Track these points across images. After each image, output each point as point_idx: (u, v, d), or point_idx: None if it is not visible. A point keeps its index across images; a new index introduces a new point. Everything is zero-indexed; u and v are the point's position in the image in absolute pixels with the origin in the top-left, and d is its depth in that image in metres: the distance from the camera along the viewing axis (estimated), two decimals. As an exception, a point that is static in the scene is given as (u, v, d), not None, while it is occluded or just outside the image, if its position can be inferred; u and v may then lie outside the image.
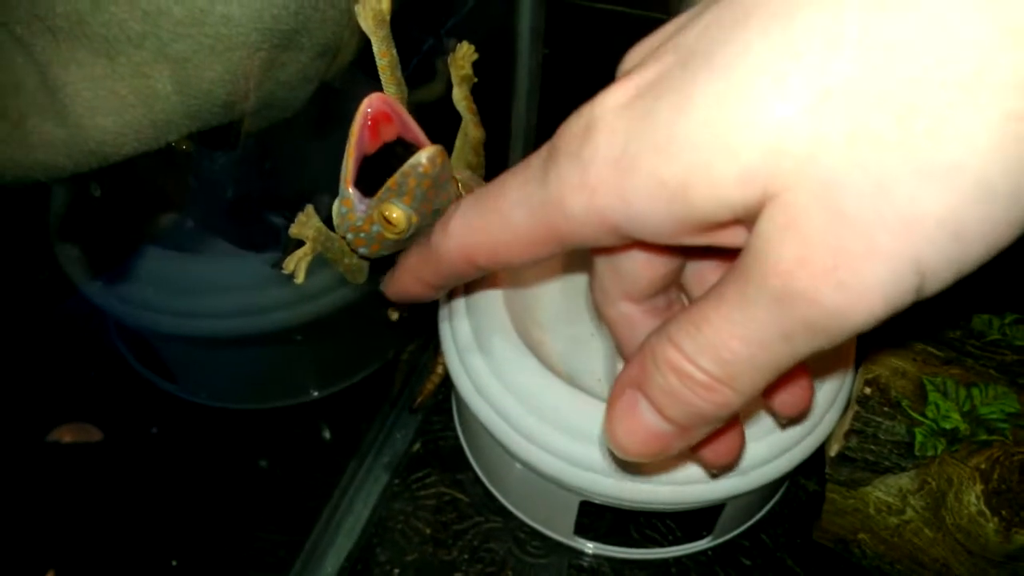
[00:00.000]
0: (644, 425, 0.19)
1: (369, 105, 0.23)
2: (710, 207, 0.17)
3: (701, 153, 0.16)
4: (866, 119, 0.14)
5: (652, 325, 0.21)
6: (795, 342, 0.17)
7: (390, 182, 0.23)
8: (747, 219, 0.17)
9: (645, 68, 0.18)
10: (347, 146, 0.23)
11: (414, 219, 0.23)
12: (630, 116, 0.17)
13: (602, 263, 0.23)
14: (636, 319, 0.24)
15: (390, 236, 0.24)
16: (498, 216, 0.21)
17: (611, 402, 0.20)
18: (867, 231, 0.15)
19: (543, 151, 0.20)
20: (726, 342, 0.17)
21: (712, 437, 0.23)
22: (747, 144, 0.16)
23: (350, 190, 0.23)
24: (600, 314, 0.25)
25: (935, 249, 0.15)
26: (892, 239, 0.15)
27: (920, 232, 0.15)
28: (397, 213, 0.23)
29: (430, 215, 0.24)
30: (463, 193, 0.25)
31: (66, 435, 0.37)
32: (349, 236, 0.24)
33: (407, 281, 0.26)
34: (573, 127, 0.19)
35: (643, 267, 0.22)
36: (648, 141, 0.17)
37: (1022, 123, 0.14)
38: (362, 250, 0.25)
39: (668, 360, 0.18)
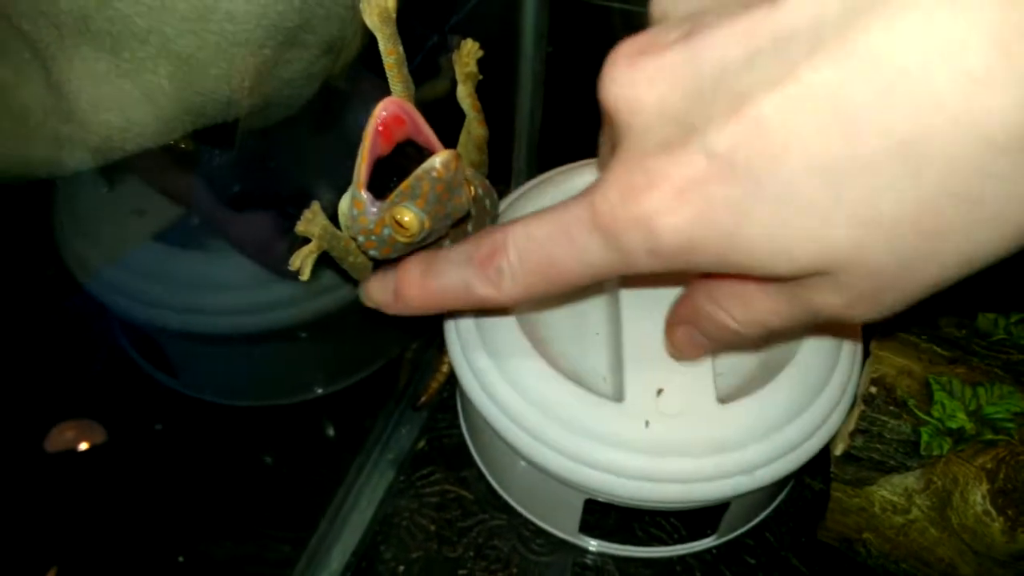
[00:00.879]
0: (696, 344, 0.27)
1: (384, 109, 0.23)
2: (764, 276, 0.21)
3: (761, 256, 0.19)
4: (897, 233, 0.18)
5: None
6: (813, 323, 0.23)
7: (403, 185, 0.23)
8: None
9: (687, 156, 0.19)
10: (360, 149, 0.23)
11: (427, 223, 0.23)
12: (690, 210, 0.20)
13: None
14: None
15: (402, 239, 0.24)
16: (556, 270, 0.24)
17: (670, 329, 0.28)
18: (901, 284, 0.19)
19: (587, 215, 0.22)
20: (765, 319, 0.23)
21: None
22: (804, 253, 0.19)
23: (363, 193, 0.23)
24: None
25: (950, 273, 0.19)
26: (915, 285, 0.19)
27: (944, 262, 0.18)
28: (410, 217, 0.23)
29: (442, 218, 0.24)
30: (474, 197, 0.25)
31: (68, 432, 0.37)
32: (360, 239, 0.24)
33: (442, 302, 0.27)
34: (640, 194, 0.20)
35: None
36: (713, 232, 0.19)
37: None
38: (372, 252, 0.25)
39: (718, 322, 0.24)
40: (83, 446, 0.36)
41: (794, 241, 0.18)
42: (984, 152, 0.16)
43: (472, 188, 0.25)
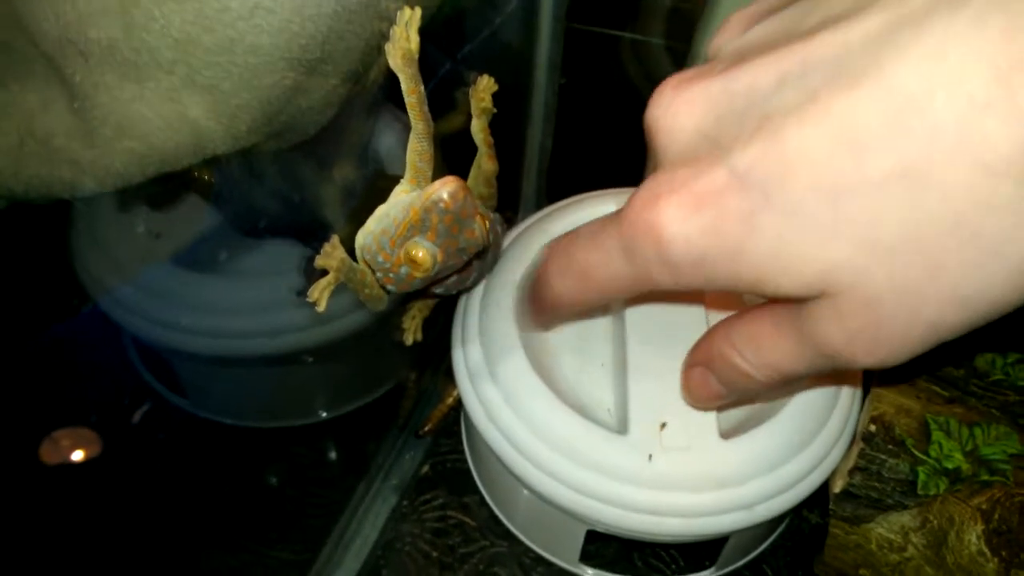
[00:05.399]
0: (710, 389, 0.27)
1: (451, 197, 0.23)
2: (771, 294, 0.21)
3: (768, 272, 0.20)
4: (896, 259, 0.18)
5: None
6: (822, 369, 0.22)
7: (412, 218, 0.23)
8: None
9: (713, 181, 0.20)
10: (405, 215, 0.24)
11: (439, 257, 0.24)
12: (702, 220, 0.20)
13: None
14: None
15: (418, 275, 0.24)
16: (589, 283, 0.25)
17: (686, 371, 0.28)
18: (900, 322, 0.19)
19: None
20: (777, 362, 0.23)
21: None
22: (807, 269, 0.19)
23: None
24: None
25: (948, 317, 0.19)
26: (913, 326, 0.19)
27: (937, 302, 0.18)
28: (423, 253, 0.23)
29: (455, 253, 0.24)
30: (487, 227, 0.26)
31: (63, 440, 0.37)
32: (379, 275, 0.25)
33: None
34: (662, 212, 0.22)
35: None
36: (723, 244, 0.20)
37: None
38: (391, 287, 0.25)
39: (733, 365, 0.24)
40: (78, 455, 0.37)
41: (798, 257, 0.19)
42: (981, 180, 0.16)
43: (486, 222, 0.26)
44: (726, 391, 0.26)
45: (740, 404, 0.31)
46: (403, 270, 0.24)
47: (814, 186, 0.18)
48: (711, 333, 0.26)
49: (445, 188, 0.23)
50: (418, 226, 0.23)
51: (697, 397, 0.28)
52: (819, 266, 0.19)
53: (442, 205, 0.23)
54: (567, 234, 0.26)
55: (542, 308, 0.28)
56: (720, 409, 0.30)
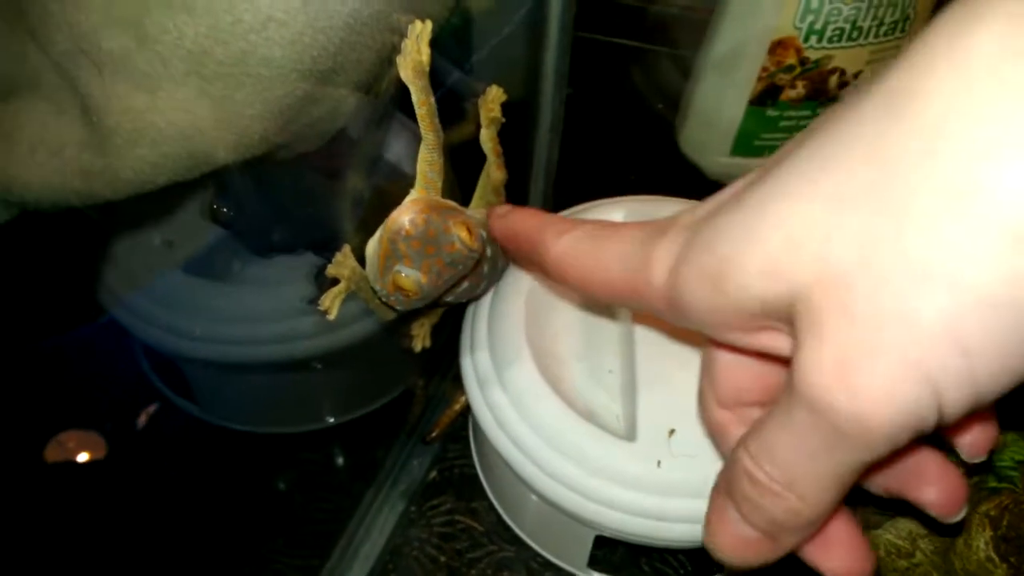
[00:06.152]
0: (734, 532, 0.20)
1: (413, 225, 0.23)
2: (740, 297, 0.18)
3: (735, 246, 0.18)
4: (869, 219, 0.15)
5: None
6: (837, 452, 0.17)
7: (385, 249, 0.23)
8: (780, 318, 0.18)
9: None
10: (380, 250, 0.24)
11: (424, 279, 0.24)
12: (698, 219, 0.20)
13: (703, 369, 0.25)
14: (730, 427, 0.24)
15: (413, 299, 0.24)
16: (599, 257, 0.23)
17: (708, 511, 0.21)
18: (872, 333, 0.15)
19: (662, 221, 0.22)
20: (778, 449, 0.18)
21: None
22: (771, 239, 0.17)
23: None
24: (702, 420, 0.26)
25: (942, 361, 0.15)
26: (895, 343, 0.15)
27: (923, 338, 0.15)
28: (405, 281, 0.24)
29: (446, 267, 0.24)
30: (475, 233, 0.25)
31: (69, 442, 0.37)
32: (383, 299, 0.25)
33: (513, 231, 0.27)
34: (677, 218, 0.21)
35: (727, 370, 0.23)
36: (700, 240, 0.19)
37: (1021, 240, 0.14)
38: (399, 308, 0.26)
39: (742, 466, 0.19)
40: (82, 457, 0.37)
41: (749, 273, 0.18)
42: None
43: (471, 229, 0.25)
44: (755, 529, 0.20)
45: None
46: (398, 295, 0.24)
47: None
48: (729, 459, 0.21)
49: (404, 216, 0.23)
50: (392, 256, 0.24)
51: (723, 545, 0.21)
52: (784, 233, 0.17)
53: (403, 233, 0.23)
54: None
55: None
56: None
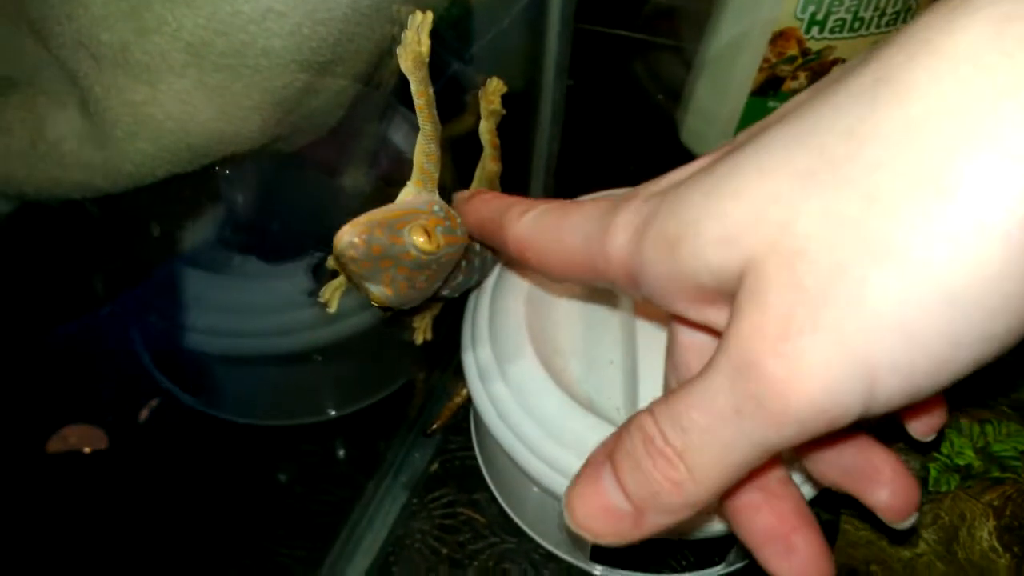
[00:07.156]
0: (601, 499, 0.19)
1: (354, 248, 0.23)
2: (691, 265, 0.18)
3: (698, 211, 0.18)
4: (837, 196, 0.15)
5: None
6: (746, 424, 0.16)
7: (343, 271, 0.23)
8: (725, 292, 0.18)
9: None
10: (342, 272, 0.24)
11: (389, 291, 0.23)
12: (665, 189, 0.20)
13: (667, 349, 0.25)
14: None
15: (392, 306, 0.24)
16: (559, 231, 0.23)
17: (579, 472, 0.20)
18: (817, 307, 0.15)
19: (627, 192, 0.21)
20: (687, 410, 0.17)
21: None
22: (733, 209, 0.17)
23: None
24: None
25: (884, 344, 0.15)
26: (838, 320, 0.15)
27: (869, 319, 0.15)
28: (373, 294, 0.24)
29: (413, 274, 0.24)
30: (434, 233, 0.24)
31: (71, 437, 0.37)
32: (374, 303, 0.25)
33: (477, 217, 0.27)
34: (639, 189, 0.21)
35: (685, 349, 0.24)
36: (666, 206, 0.19)
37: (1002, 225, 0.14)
38: (392, 307, 0.26)
39: (639, 424, 0.19)
40: (84, 451, 0.37)
41: (707, 244, 0.18)
42: None
43: (428, 230, 0.24)
44: (627, 499, 0.19)
45: None
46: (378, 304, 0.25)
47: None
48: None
49: (343, 239, 0.22)
50: (351, 276, 0.23)
51: (581, 511, 0.20)
52: (747, 204, 0.18)
53: (348, 255, 0.22)
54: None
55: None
56: None
